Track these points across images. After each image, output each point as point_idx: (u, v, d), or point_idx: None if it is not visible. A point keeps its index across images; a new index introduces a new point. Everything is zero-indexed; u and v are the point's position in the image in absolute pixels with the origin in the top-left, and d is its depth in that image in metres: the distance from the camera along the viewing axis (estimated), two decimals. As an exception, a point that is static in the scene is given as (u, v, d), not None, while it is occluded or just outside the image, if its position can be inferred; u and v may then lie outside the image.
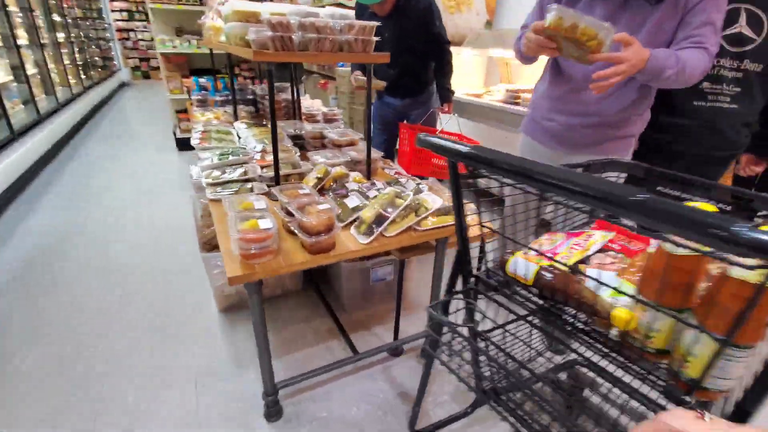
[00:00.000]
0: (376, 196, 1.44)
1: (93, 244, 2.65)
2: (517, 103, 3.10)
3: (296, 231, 1.22)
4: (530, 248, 0.86)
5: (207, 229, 2.27)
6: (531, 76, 3.85)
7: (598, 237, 0.96)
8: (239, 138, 2.31)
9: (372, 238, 1.28)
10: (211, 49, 3.56)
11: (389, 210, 1.31)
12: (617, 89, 1.29)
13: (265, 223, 1.16)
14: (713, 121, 1.51)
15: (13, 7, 4.35)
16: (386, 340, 1.90)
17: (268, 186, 1.70)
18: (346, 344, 1.84)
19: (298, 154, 1.93)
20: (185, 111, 4.51)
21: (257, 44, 1.43)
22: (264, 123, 2.56)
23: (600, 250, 0.94)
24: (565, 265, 0.84)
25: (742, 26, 1.39)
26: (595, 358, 0.86)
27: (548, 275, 0.85)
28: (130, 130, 5.77)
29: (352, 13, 1.51)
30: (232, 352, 1.80)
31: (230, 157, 1.82)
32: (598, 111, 1.35)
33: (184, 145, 4.61)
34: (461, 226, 0.89)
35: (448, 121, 2.51)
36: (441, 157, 2.64)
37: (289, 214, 1.30)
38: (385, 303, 2.13)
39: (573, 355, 1.17)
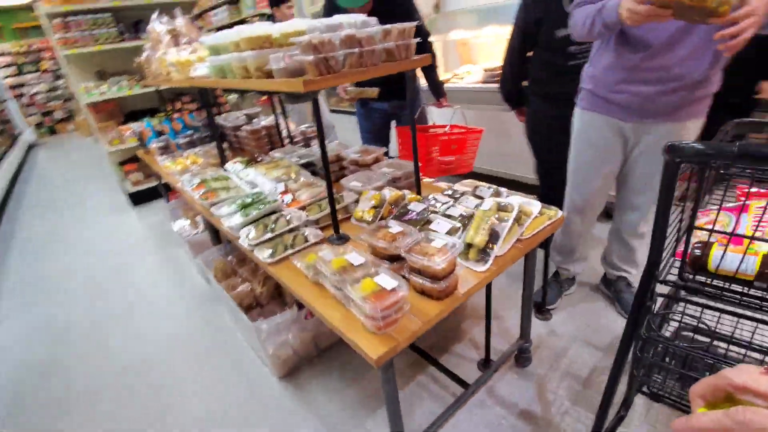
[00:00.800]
0: (462, 215, 1.29)
1: (87, 343, 2.23)
2: (497, 81, 3.04)
3: (416, 278, 1.04)
4: (748, 236, 0.76)
5: (233, 291, 1.99)
6: (492, 54, 3.83)
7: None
8: (240, 180, 2.03)
9: (490, 263, 1.13)
10: (157, 88, 3.16)
11: (499, 227, 1.16)
12: (703, 47, 1.23)
13: (388, 282, 0.96)
14: None
15: None
16: (469, 357, 1.77)
17: (321, 229, 1.48)
18: (441, 374, 1.67)
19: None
20: (132, 161, 3.99)
21: (287, 72, 1.21)
22: (258, 158, 2.29)
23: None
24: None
25: None
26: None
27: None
28: (65, 196, 5.05)
29: (367, 18, 1.32)
30: (319, 424, 1.57)
31: (259, 207, 1.57)
32: (681, 74, 1.28)
33: (139, 199, 4.11)
34: (662, 231, 0.77)
35: (453, 116, 2.39)
36: (452, 152, 2.53)
37: (393, 259, 1.12)
38: (446, 317, 1.99)
39: None
